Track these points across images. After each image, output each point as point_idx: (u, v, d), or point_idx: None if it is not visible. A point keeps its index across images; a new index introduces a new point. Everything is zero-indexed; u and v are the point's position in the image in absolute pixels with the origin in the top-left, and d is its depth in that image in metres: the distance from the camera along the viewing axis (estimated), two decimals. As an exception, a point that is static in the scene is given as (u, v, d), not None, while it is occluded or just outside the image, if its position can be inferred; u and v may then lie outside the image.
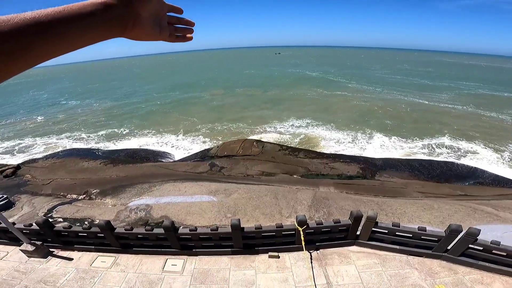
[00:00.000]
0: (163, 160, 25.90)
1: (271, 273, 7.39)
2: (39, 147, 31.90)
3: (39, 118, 47.36)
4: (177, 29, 1.15)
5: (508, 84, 72.58)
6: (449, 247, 7.25)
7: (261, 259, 7.88)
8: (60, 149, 30.08)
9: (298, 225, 7.26)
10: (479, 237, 6.67)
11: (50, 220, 10.66)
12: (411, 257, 7.64)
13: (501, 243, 6.58)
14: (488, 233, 8.96)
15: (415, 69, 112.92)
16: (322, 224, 7.61)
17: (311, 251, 8.05)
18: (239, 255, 8.05)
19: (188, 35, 1.19)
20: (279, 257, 7.91)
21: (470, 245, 6.89)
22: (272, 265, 7.66)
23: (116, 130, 38.04)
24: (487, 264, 7.04)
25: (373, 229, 7.63)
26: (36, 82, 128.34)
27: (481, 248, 6.87)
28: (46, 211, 13.35)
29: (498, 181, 19.59)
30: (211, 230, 7.57)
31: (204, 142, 31.62)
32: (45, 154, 28.22)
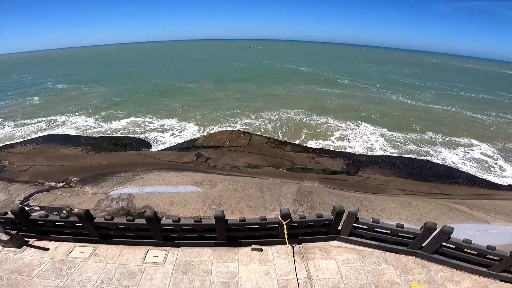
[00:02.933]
0: (148, 149, 25.45)
1: (254, 265, 7.46)
2: (19, 132, 30.59)
3: (20, 101, 45.66)
4: None
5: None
6: (423, 245, 7.53)
7: (244, 252, 7.93)
8: (40, 134, 28.94)
9: (281, 219, 7.31)
10: (452, 236, 6.93)
11: (27, 208, 10.29)
12: (388, 253, 7.91)
13: (472, 242, 6.87)
14: (461, 232, 9.38)
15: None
16: (305, 218, 7.70)
17: (293, 245, 8.16)
18: (222, 247, 8.06)
19: None
20: (262, 250, 7.98)
21: (443, 243, 7.16)
22: (255, 258, 7.73)
23: (101, 115, 37.22)
24: (458, 262, 7.37)
25: (354, 224, 7.81)
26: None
27: (454, 247, 7.16)
28: (22, 199, 12.85)
29: (473, 181, 20.49)
30: (194, 221, 7.50)
31: (192, 132, 31.39)
32: (23, 139, 27.09)
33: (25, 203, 12.45)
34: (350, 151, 25.72)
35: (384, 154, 25.83)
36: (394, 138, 30.32)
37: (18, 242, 7.93)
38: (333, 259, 7.68)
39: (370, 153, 25.81)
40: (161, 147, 26.67)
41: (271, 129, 32.05)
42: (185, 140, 27.96)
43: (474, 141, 30.42)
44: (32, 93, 51.54)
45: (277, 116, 36.91)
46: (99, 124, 33.62)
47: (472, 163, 25.25)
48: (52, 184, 15.59)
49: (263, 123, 34.31)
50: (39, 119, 35.26)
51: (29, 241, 8.19)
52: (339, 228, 8.16)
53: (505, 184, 21.29)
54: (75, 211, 7.44)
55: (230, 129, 31.27)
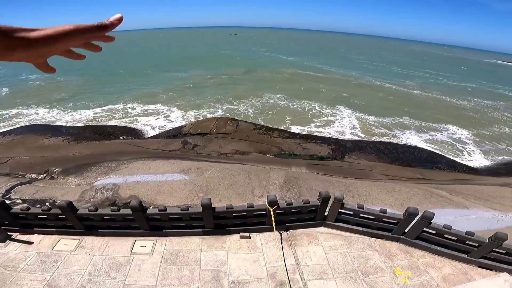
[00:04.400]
0: (133, 138, 24.91)
1: (242, 253, 7.53)
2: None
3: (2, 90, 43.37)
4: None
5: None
6: (406, 230, 7.78)
7: (233, 240, 7.98)
8: (19, 125, 27.71)
9: (269, 205, 7.35)
10: (433, 221, 7.16)
11: (8, 202, 9.94)
12: (373, 239, 8.15)
13: (452, 228, 7.13)
14: (442, 217, 9.75)
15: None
16: (292, 204, 7.78)
17: (281, 232, 8.27)
18: (210, 236, 8.07)
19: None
20: (250, 237, 8.05)
21: (424, 229, 7.41)
22: (243, 245, 7.80)
23: (82, 104, 35.81)
24: (439, 248, 7.65)
25: (339, 210, 7.96)
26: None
27: (434, 232, 7.42)
28: (3, 192, 12.36)
29: (453, 167, 21.26)
30: (181, 210, 7.43)
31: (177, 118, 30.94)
32: (1, 130, 25.90)
33: (6, 196, 11.99)
34: (336, 137, 26.06)
35: (369, 139, 26.34)
36: (371, 123, 31.08)
37: (1, 237, 7.65)
38: (320, 245, 7.85)
39: (355, 138, 26.27)
40: (147, 135, 26.17)
41: (252, 115, 32.12)
42: (172, 127, 27.53)
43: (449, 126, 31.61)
44: (3, 85, 48.84)
45: (260, 101, 36.93)
46: (78, 113, 32.42)
47: (439, 145, 26.28)
48: (34, 176, 15.09)
49: (246, 108, 34.44)
50: (12, 110, 33.61)
51: (12, 235, 7.91)
52: (326, 214, 8.29)
53: (481, 167, 22.23)
54: (58, 203, 7.20)
55: (218, 114, 31.13)
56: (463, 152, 25.29)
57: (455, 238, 7.26)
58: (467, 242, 7.19)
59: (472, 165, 22.55)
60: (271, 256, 7.42)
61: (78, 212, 7.35)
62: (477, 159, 24.22)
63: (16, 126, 26.88)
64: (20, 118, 30.37)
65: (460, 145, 26.79)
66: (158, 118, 30.78)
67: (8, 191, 12.48)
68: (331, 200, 7.73)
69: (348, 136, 26.82)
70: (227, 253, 7.52)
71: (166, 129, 27.15)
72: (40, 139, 21.71)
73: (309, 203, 7.82)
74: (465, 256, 7.42)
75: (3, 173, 15.42)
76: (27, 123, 28.18)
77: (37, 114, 32.11)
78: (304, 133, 26.54)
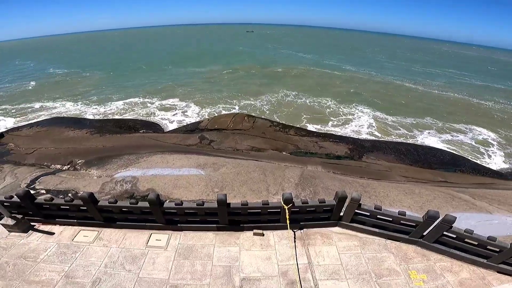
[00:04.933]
0: (153, 131, 25.49)
1: (255, 250, 7.55)
2: (23, 116, 30.66)
3: (28, 85, 45.48)
4: None
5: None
6: (425, 233, 7.51)
7: (246, 236, 8.01)
8: (45, 117, 29.05)
9: (284, 203, 7.29)
10: (454, 225, 6.88)
11: (33, 191, 10.43)
12: (389, 241, 7.93)
13: (474, 232, 6.82)
14: (463, 221, 9.33)
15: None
16: (308, 203, 7.67)
17: (295, 230, 8.22)
18: (224, 232, 8.14)
19: None
20: (263, 234, 8.05)
21: (444, 232, 7.12)
22: (256, 242, 7.81)
23: (106, 97, 37.10)
24: (457, 252, 7.35)
25: (356, 211, 7.78)
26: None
27: (455, 236, 7.11)
28: (29, 182, 13.00)
29: (478, 170, 20.29)
30: (197, 205, 7.50)
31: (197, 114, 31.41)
32: (29, 122, 27.25)
33: (31, 186, 12.59)
34: (354, 136, 25.52)
35: (387, 139, 25.62)
36: (389, 123, 30.20)
37: (24, 227, 8.01)
38: (334, 245, 7.74)
39: (374, 138, 25.62)
40: (165, 129, 26.71)
41: (268, 112, 32.02)
42: (189, 122, 27.95)
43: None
44: (31, 78, 51.23)
45: (276, 98, 36.79)
46: (102, 107, 33.57)
47: (461, 147, 25.20)
48: (58, 166, 15.80)
49: (262, 104, 34.45)
50: (39, 103, 35.20)
51: (34, 225, 8.30)
52: (341, 214, 8.15)
53: (507, 172, 21.11)
54: (80, 194, 7.48)
55: (235, 110, 31.30)
56: (487, 155, 24.10)
57: (476, 243, 6.96)
58: (488, 247, 6.87)
59: (496, 169, 21.45)
60: (283, 254, 7.39)
61: (98, 204, 7.60)
62: (500, 162, 23.03)
63: (42, 118, 28.19)
64: (47, 111, 31.83)
65: (483, 147, 25.52)
66: (176, 113, 31.36)
67: (33, 181, 13.11)
68: (347, 200, 7.58)
69: (364, 136, 26.21)
70: (239, 249, 7.56)
71: (184, 124, 27.61)
72: (65, 131, 22.66)
73: (324, 202, 7.68)
74: (485, 261, 7.12)
75: (29, 163, 16.24)
76: (53, 116, 29.49)
77: (63, 106, 33.60)
78: (321, 131, 26.18)
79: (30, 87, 44.28)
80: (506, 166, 22.38)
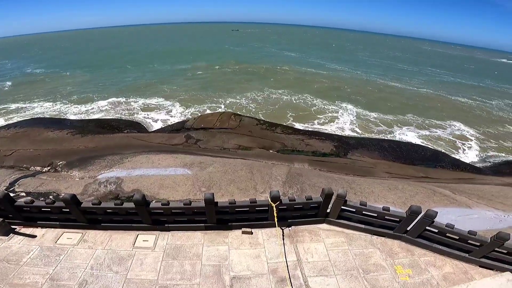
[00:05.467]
0: (137, 131, 24.98)
1: (244, 249, 7.55)
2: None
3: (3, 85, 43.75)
4: None
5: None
6: (408, 228, 7.74)
7: (235, 235, 8.00)
8: (23, 118, 27.88)
9: (271, 201, 7.34)
10: (436, 220, 7.10)
11: (12, 194, 9.99)
12: (375, 236, 8.13)
13: (455, 227, 7.08)
14: (444, 216, 9.67)
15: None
16: (295, 200, 7.76)
17: (283, 228, 8.28)
18: (212, 231, 8.09)
19: None
20: (252, 233, 8.07)
21: (427, 227, 7.35)
22: (245, 241, 7.82)
23: (88, 97, 36.11)
24: (440, 247, 7.62)
25: (342, 207, 7.93)
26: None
27: (437, 231, 7.36)
28: (7, 184, 12.43)
29: (457, 166, 21.11)
30: (184, 204, 7.42)
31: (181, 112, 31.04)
32: (6, 123, 26.09)
33: (11, 189, 12.05)
34: (339, 134, 25.99)
35: (372, 136, 26.26)
36: (372, 119, 31.00)
37: (4, 230, 7.69)
38: (322, 242, 7.85)
39: (358, 136, 26.21)
40: (150, 129, 26.26)
41: (254, 110, 32.07)
42: (175, 122, 27.60)
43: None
44: (7, 79, 49.15)
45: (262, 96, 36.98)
46: (83, 107, 32.64)
47: (440, 142, 26.23)
48: (38, 168, 15.19)
49: (247, 102, 34.49)
50: (15, 104, 33.76)
51: (15, 228, 7.97)
52: (328, 210, 8.28)
53: (485, 167, 22.08)
54: (61, 196, 7.23)
55: (221, 108, 31.16)
56: (465, 150, 25.20)
57: (457, 237, 7.21)
58: (469, 241, 7.14)
59: (475, 164, 22.40)
60: (272, 252, 7.44)
61: (81, 206, 7.38)
62: (478, 157, 24.14)
63: (20, 119, 27.05)
64: (24, 112, 30.61)
65: (461, 142, 26.67)
66: (161, 112, 30.90)
67: (12, 183, 12.55)
68: (333, 197, 7.70)
69: (348, 132, 26.78)
70: (228, 248, 7.54)
71: (169, 123, 27.23)
72: (45, 132, 21.84)
73: (311, 199, 7.78)
74: (466, 255, 7.39)
75: (8, 165, 15.54)
76: (32, 117, 28.36)
77: (41, 107, 32.35)
78: (307, 129, 26.49)
79: (6, 88, 42.45)
80: (484, 161, 23.43)
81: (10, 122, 26.44)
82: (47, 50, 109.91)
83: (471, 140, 27.41)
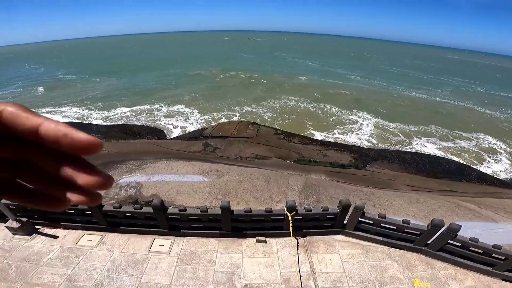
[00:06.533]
0: (157, 138, 25.70)
1: (258, 257, 7.52)
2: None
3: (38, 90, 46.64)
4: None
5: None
6: (429, 242, 7.44)
7: (249, 243, 7.99)
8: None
9: (287, 211, 7.31)
10: (459, 233, 6.82)
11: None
12: (393, 249, 7.86)
13: (479, 240, 6.76)
14: (468, 230, 9.19)
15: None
16: (311, 211, 7.67)
17: (298, 238, 8.19)
18: (227, 238, 8.13)
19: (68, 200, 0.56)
20: (266, 242, 8.03)
21: (449, 241, 7.06)
22: (259, 249, 7.79)
23: (112, 104, 37.61)
24: (462, 260, 7.27)
25: (359, 219, 7.75)
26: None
27: (460, 244, 7.06)
28: (32, 187, 13.11)
29: (483, 179, 20.08)
30: (200, 211, 7.55)
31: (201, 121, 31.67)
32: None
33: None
34: (358, 145, 25.47)
35: (392, 148, 25.54)
36: (391, 129, 30.12)
37: (28, 230, 8.08)
38: (337, 253, 7.68)
39: (378, 147, 25.56)
40: (170, 135, 26.93)
41: (270, 120, 32.17)
42: (193, 129, 28.17)
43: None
44: (39, 83, 52.32)
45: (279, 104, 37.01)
46: (108, 112, 34.07)
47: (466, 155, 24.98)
48: (64, 171, 15.90)
49: (264, 111, 34.58)
50: (47, 108, 35.77)
51: (39, 228, 8.37)
52: (345, 222, 8.11)
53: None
54: (84, 199, 7.52)
55: (238, 116, 31.50)
56: (492, 163, 23.89)
57: (481, 251, 6.89)
58: (493, 255, 6.81)
59: (503, 178, 21.20)
60: (286, 262, 7.36)
61: (103, 209, 7.68)
62: (507, 171, 22.80)
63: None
64: (54, 116, 32.27)
65: (489, 155, 25.33)
66: (181, 119, 31.64)
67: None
68: (351, 209, 7.56)
69: (368, 144, 26.16)
70: (242, 256, 7.54)
71: (188, 131, 27.82)
72: (72, 137, 22.90)
73: (328, 210, 7.67)
74: (490, 269, 7.04)
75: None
76: (62, 121, 29.86)
77: (70, 111, 34.09)
78: (325, 140, 26.18)
79: (39, 94, 45.18)
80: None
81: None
82: (73, 56, 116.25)
83: (501, 153, 26.01)
